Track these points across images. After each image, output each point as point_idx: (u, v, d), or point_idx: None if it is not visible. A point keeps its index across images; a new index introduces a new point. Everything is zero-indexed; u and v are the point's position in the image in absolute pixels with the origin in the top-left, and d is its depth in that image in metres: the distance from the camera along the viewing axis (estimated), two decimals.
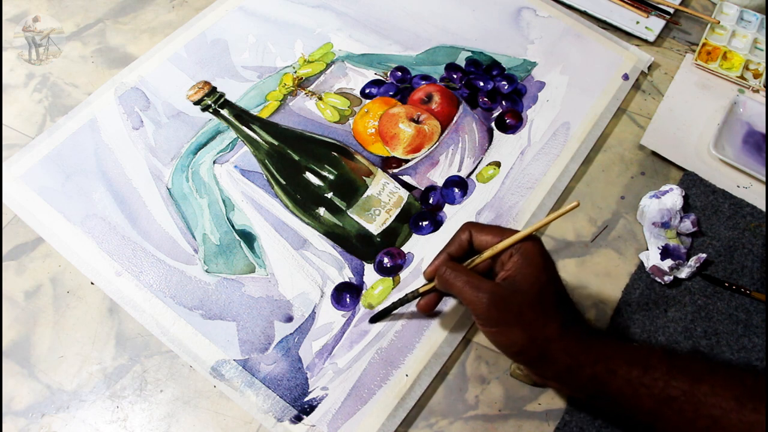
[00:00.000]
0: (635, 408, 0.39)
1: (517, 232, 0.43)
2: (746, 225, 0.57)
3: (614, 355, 0.40)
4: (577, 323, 0.42)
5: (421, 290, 0.48)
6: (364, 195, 0.56)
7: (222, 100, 0.61)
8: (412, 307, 0.51)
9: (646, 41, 0.73)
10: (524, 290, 0.40)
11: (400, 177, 0.59)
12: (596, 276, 0.55)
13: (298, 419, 0.47)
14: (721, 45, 0.71)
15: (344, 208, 0.55)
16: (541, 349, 0.40)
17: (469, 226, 0.45)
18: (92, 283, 0.52)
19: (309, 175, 0.56)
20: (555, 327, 0.40)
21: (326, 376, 0.48)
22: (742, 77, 0.69)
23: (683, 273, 0.54)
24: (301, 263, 0.54)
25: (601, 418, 0.47)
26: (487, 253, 0.44)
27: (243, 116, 0.60)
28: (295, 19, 0.70)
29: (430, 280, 0.47)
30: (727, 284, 0.53)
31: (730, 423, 0.37)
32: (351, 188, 0.56)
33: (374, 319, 0.51)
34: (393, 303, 0.49)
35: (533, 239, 0.43)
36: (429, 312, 0.49)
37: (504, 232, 0.44)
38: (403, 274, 0.54)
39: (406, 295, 0.49)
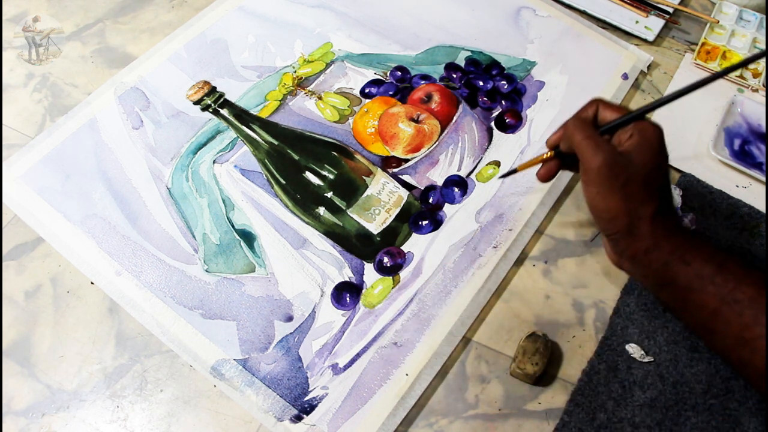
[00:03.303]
0: (698, 304, 0.41)
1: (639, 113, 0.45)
2: (744, 225, 0.57)
3: (693, 248, 0.42)
4: (671, 214, 0.44)
5: (545, 156, 0.50)
6: (364, 194, 0.56)
7: (222, 99, 0.61)
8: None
9: (645, 41, 0.73)
10: (636, 165, 0.42)
11: (400, 176, 0.59)
12: (596, 275, 0.55)
13: (298, 418, 0.47)
14: (721, 44, 0.71)
15: (344, 208, 0.55)
16: (631, 223, 0.42)
17: (597, 102, 0.47)
18: (92, 283, 0.52)
19: (309, 175, 0.57)
20: (651, 207, 0.42)
21: (326, 375, 0.49)
22: (741, 77, 0.69)
23: None
24: (301, 263, 0.54)
25: (664, 309, 0.50)
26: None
27: (243, 116, 0.60)
28: (295, 18, 0.70)
29: (551, 148, 0.50)
30: None
31: None
32: (351, 188, 0.56)
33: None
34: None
35: (655, 126, 0.44)
36: (547, 180, 0.51)
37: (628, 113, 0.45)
38: (403, 274, 0.54)
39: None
